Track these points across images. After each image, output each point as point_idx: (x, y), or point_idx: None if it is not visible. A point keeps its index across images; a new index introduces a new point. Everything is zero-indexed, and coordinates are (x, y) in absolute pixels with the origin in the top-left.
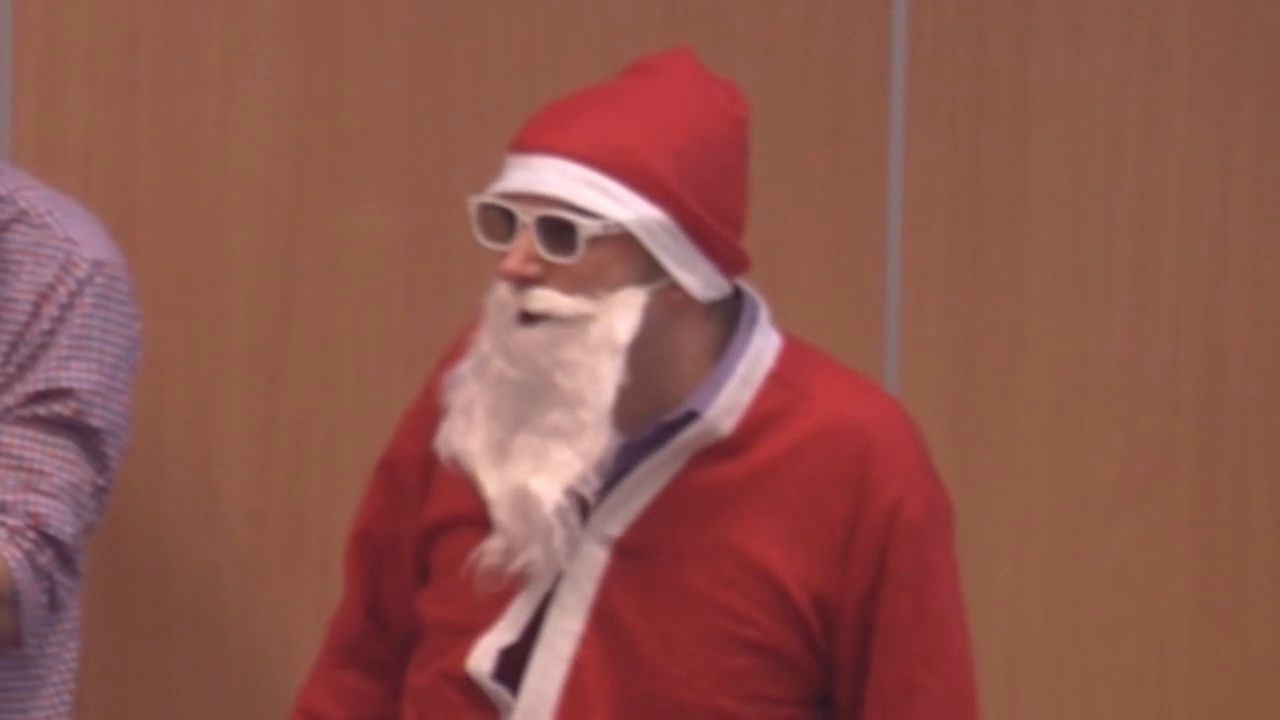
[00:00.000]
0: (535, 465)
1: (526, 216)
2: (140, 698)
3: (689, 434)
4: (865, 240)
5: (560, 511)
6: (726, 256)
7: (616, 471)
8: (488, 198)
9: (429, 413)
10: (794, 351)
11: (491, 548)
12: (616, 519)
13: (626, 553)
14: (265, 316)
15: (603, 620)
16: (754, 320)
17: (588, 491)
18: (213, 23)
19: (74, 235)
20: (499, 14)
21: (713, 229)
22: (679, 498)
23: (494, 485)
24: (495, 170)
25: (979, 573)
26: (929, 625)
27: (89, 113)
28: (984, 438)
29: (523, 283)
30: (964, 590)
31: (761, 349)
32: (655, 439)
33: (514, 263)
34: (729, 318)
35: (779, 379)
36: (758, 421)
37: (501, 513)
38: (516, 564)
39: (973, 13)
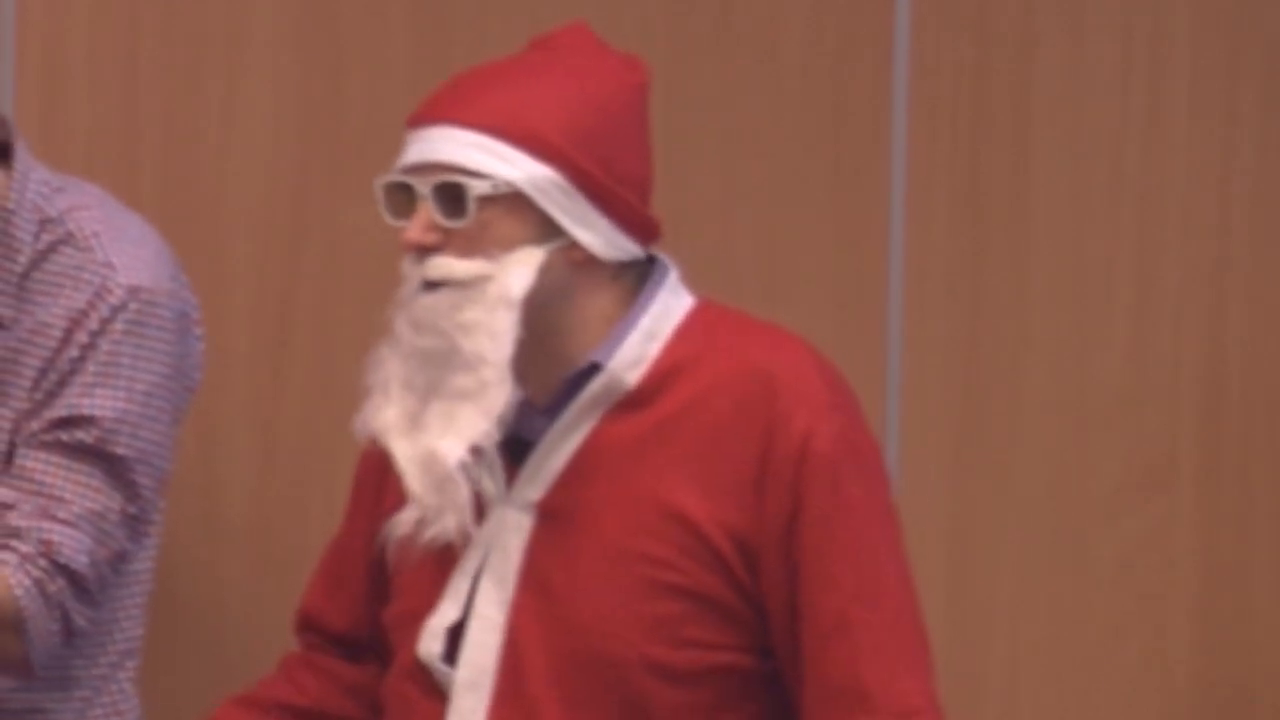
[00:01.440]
0: (443, 429)
1: (423, 187)
2: (144, 702)
3: (594, 388)
4: (867, 239)
5: (464, 467)
6: (628, 217)
7: (533, 437)
8: (390, 176)
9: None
10: (708, 310)
11: (404, 518)
12: (536, 484)
13: (549, 515)
14: (267, 317)
15: (532, 585)
16: (662, 280)
17: (489, 445)
18: (214, 24)
19: (115, 260)
20: (500, 15)
21: (609, 188)
22: (594, 455)
23: (404, 454)
24: None
25: (981, 570)
26: (854, 558)
27: (90, 114)
28: (986, 436)
29: (423, 252)
30: (966, 588)
31: (670, 305)
32: (566, 398)
33: (413, 233)
34: (641, 281)
35: (687, 333)
36: (665, 373)
37: (413, 481)
38: (430, 533)
39: (974, 13)
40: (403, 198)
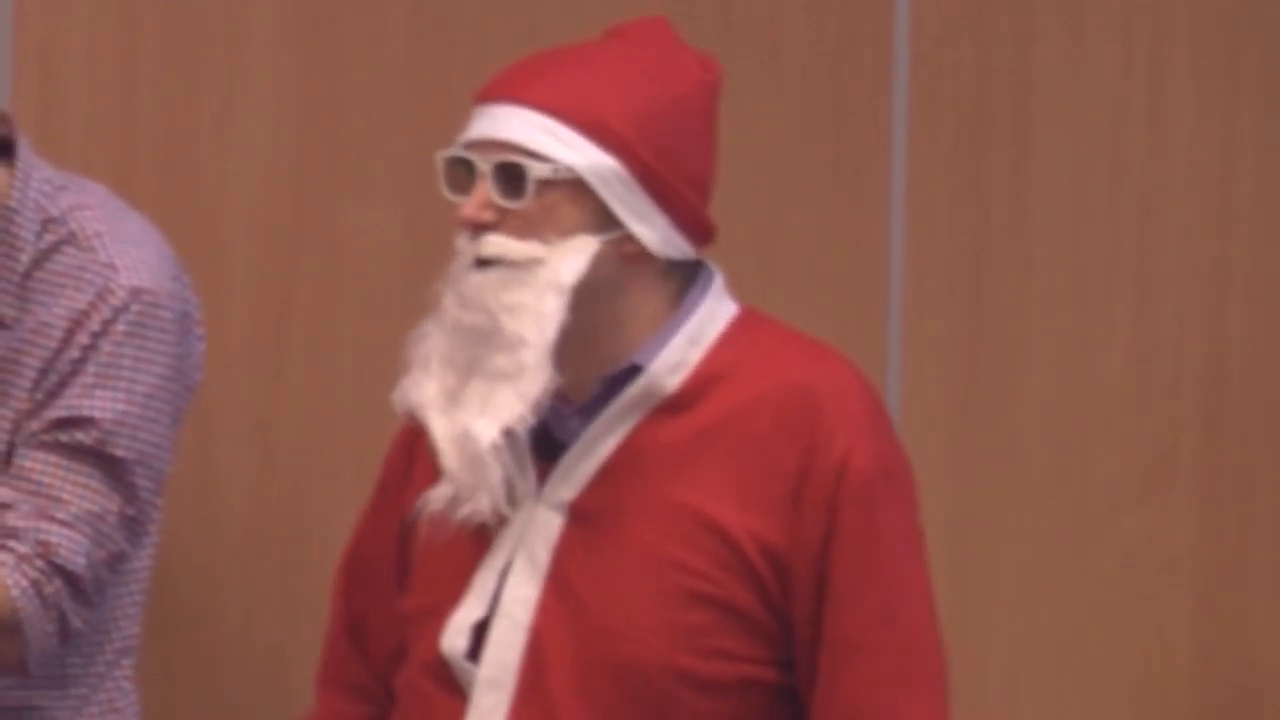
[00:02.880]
0: (481, 408)
1: (484, 164)
2: (140, 698)
3: (634, 390)
4: (868, 238)
5: (496, 449)
6: (687, 216)
7: (566, 437)
8: (452, 150)
9: (408, 428)
10: (750, 318)
11: (438, 494)
12: (570, 483)
13: (581, 516)
14: (265, 317)
15: (559, 585)
16: (709, 285)
17: (523, 429)
18: (213, 23)
19: (117, 260)
20: (499, 15)
21: (670, 184)
22: (630, 458)
23: (441, 431)
24: None
25: (982, 570)
26: (879, 583)
27: (89, 113)
28: (987, 436)
29: (479, 229)
30: (968, 586)
31: (715, 311)
32: (604, 400)
33: (470, 209)
34: (687, 284)
35: (730, 340)
36: (707, 380)
37: (449, 460)
38: (463, 512)
39: (975, 12)
40: (462, 173)
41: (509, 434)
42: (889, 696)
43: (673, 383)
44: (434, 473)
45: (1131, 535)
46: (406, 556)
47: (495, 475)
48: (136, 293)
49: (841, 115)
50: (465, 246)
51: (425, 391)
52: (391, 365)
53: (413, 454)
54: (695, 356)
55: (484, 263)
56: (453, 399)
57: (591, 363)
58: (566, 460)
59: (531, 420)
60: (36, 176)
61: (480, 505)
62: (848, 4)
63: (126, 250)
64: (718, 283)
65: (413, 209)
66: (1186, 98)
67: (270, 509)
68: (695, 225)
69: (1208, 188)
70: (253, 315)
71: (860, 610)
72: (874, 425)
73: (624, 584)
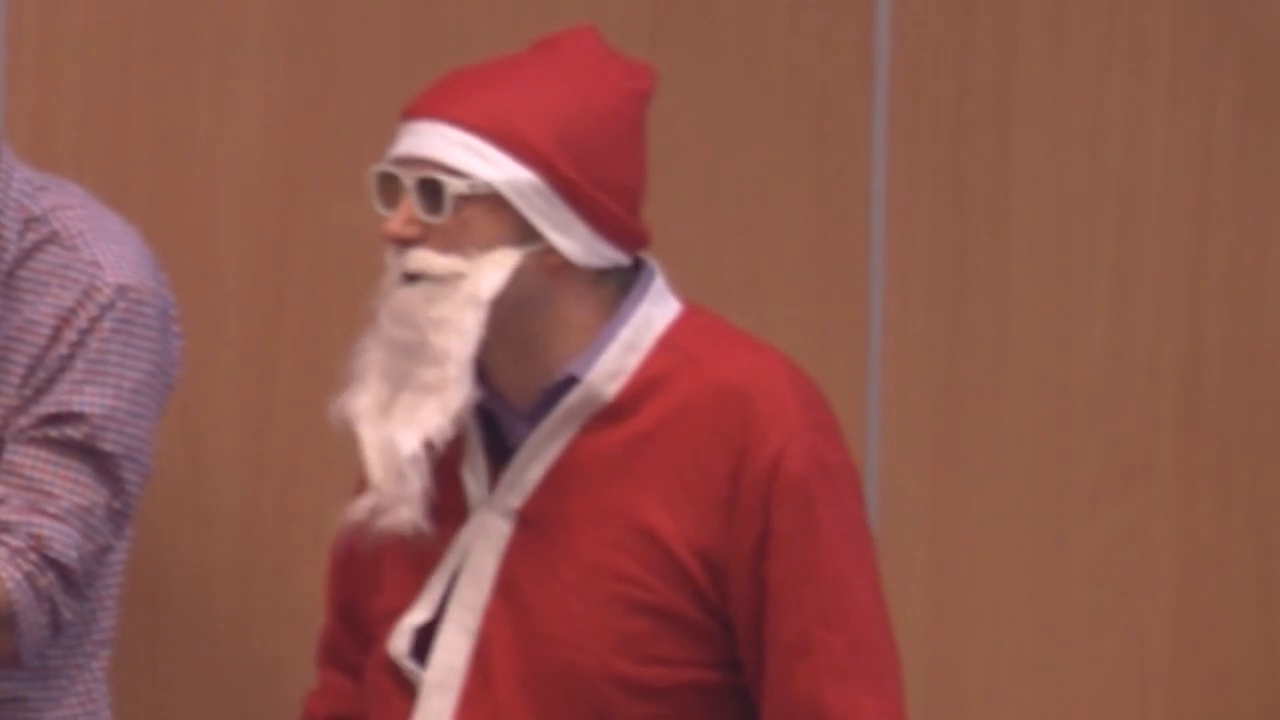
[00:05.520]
0: (407, 420)
1: (408, 180)
2: (132, 697)
3: (571, 400)
4: (849, 238)
5: (415, 460)
6: (612, 225)
7: (517, 443)
8: (380, 166)
9: None
10: (692, 319)
11: (361, 505)
12: (516, 491)
13: (527, 523)
14: (257, 314)
15: (506, 592)
16: (645, 289)
17: (441, 442)
18: (205, 21)
19: (101, 259)
20: (487, 12)
21: (591, 195)
22: (572, 466)
23: (369, 440)
24: None
25: (962, 566)
26: (822, 581)
27: (82, 110)
28: (967, 433)
29: (404, 244)
30: (946, 583)
31: (651, 316)
32: (545, 407)
33: (395, 225)
34: (624, 289)
35: (669, 344)
36: (644, 386)
37: (374, 470)
38: (383, 522)
39: (956, 11)
40: (391, 188)
41: (430, 446)
42: (839, 693)
43: (611, 390)
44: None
45: (1110, 532)
46: (379, 555)
47: (414, 487)
48: (122, 290)
49: (823, 114)
50: (393, 261)
51: (359, 403)
52: None
53: None
54: (632, 363)
55: (411, 277)
56: (385, 410)
57: (529, 372)
58: (513, 467)
59: (451, 433)
60: (18, 176)
61: (400, 517)
62: (829, 7)
63: (110, 248)
64: (656, 284)
65: None
66: (1166, 97)
67: (261, 506)
68: (622, 233)
69: (1186, 187)
70: (244, 313)
71: (803, 610)
72: (806, 421)
73: (565, 591)
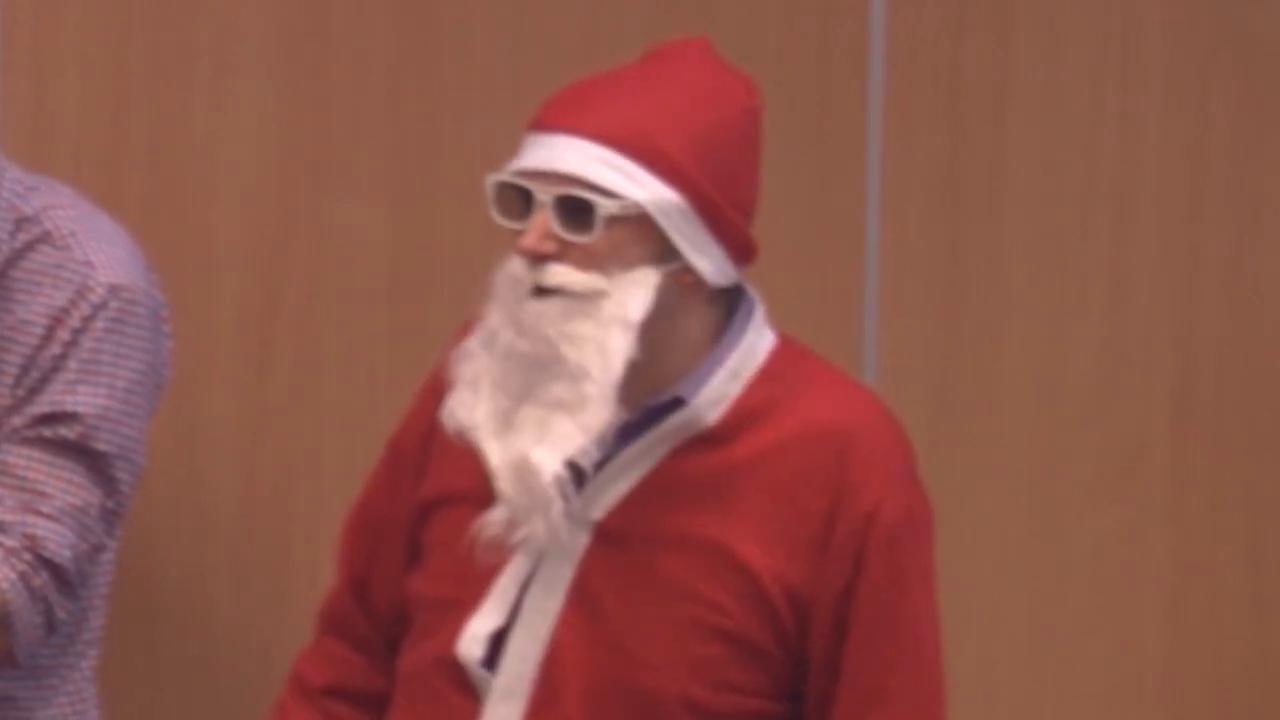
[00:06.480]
0: (538, 436)
1: (544, 195)
2: (127, 696)
3: (674, 421)
4: (844, 235)
5: (559, 482)
6: (737, 244)
7: (602, 456)
8: (506, 176)
9: (434, 391)
10: (788, 351)
11: (494, 519)
12: (599, 503)
13: (607, 537)
14: (252, 314)
15: (581, 602)
16: (750, 315)
17: (587, 464)
18: (202, 21)
19: (94, 258)
20: (484, 11)
21: (726, 214)
22: (661, 485)
23: (497, 456)
24: (481, 169)
25: (956, 567)
26: (901, 630)
27: (79, 110)
28: (961, 433)
29: (538, 259)
30: (940, 583)
31: (755, 344)
32: (641, 424)
33: (531, 240)
34: (727, 310)
35: (769, 375)
36: (744, 415)
37: (504, 483)
38: (517, 536)
39: (951, 9)
40: (517, 200)
41: (571, 465)
42: None
43: (712, 416)
44: (454, 451)
45: (1103, 531)
46: (421, 533)
47: (557, 507)
48: (115, 290)
49: (820, 110)
50: (523, 274)
51: (476, 414)
52: (377, 362)
53: (433, 422)
54: (735, 390)
55: (543, 291)
56: (506, 423)
57: (638, 387)
58: (598, 480)
59: (595, 454)
60: (9, 177)
61: (536, 529)
62: (824, 6)
63: (102, 248)
64: (759, 313)
65: (398, 206)
66: (1160, 94)
67: (256, 506)
68: (743, 249)
69: (1180, 185)
70: (240, 312)
71: (882, 658)
72: (905, 470)
73: (644, 610)
